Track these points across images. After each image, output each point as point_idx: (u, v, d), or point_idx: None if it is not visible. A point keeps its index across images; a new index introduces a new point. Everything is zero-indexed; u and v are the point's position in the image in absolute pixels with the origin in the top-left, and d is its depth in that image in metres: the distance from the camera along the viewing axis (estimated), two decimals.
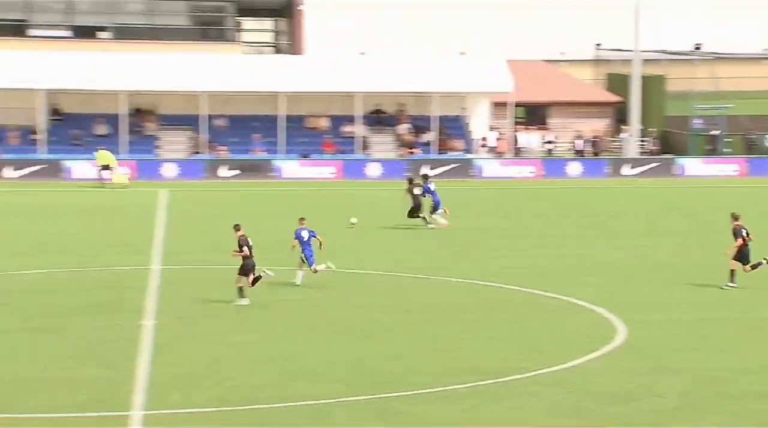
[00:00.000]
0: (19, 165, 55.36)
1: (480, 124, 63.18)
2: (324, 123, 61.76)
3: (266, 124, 60.66)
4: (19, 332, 22.58)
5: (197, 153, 59.13)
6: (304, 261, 27.50)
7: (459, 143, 61.22)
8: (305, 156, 59.05)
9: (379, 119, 62.42)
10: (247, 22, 79.90)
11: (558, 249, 33.99)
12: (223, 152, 58.97)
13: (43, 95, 57.84)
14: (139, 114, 60.65)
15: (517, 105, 63.86)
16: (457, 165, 58.33)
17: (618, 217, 42.39)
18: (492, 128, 63.13)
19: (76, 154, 56.92)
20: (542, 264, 31.17)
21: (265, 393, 18.40)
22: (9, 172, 54.80)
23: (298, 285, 27.31)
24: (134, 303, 25.54)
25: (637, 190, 52.38)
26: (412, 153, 60.08)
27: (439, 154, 59.95)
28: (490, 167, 58.92)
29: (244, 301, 25.32)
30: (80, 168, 54.71)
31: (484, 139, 61.89)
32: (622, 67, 73.17)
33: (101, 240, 35.36)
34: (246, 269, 25.33)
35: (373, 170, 57.69)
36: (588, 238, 36.70)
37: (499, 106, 62.69)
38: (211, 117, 59.41)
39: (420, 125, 61.63)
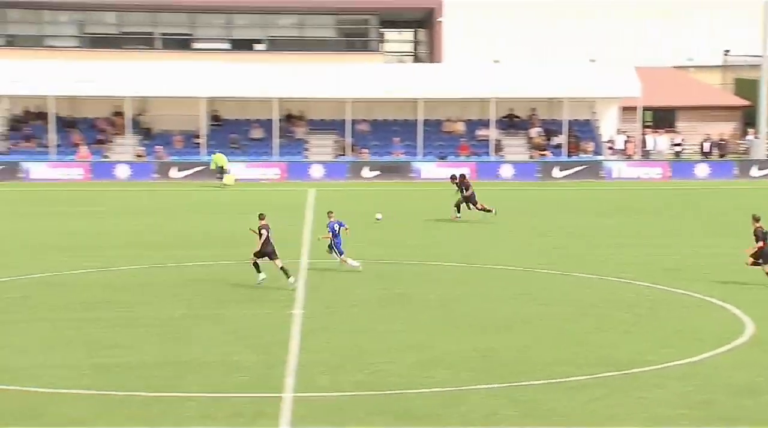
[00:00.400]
0: (183, 166, 56.77)
1: (609, 127, 62.28)
2: (460, 127, 61.68)
3: (405, 128, 60.94)
4: (185, 318, 23.13)
5: (342, 155, 59.71)
6: (332, 251, 27.76)
7: (589, 146, 60.43)
8: (442, 158, 59.04)
9: (512, 123, 62.06)
10: (389, 34, 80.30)
11: (686, 248, 33.23)
12: (366, 154, 59.38)
13: (205, 102, 59.20)
14: (289, 119, 61.57)
15: (645, 109, 62.72)
16: (587, 166, 57.59)
17: (746, 217, 41.14)
18: (620, 131, 62.13)
19: (234, 157, 58.10)
20: (671, 262, 30.52)
21: (405, 379, 18.46)
22: (174, 173, 56.24)
23: (356, 265, 27.79)
24: (284, 293, 25.85)
25: (765, 191, 50.81)
26: (543, 155, 59.54)
27: (569, 156, 59.28)
28: (619, 169, 57.99)
29: (262, 276, 26.16)
30: (236, 169, 55.81)
31: (611, 141, 60.95)
32: (751, 72, 71.18)
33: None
34: (262, 252, 26.02)
35: (506, 171, 57.42)
36: (716, 237, 35.79)
37: (627, 110, 61.69)
38: (354, 122, 60.00)
39: (551, 129, 61.06)
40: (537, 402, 17.20)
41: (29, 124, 60.56)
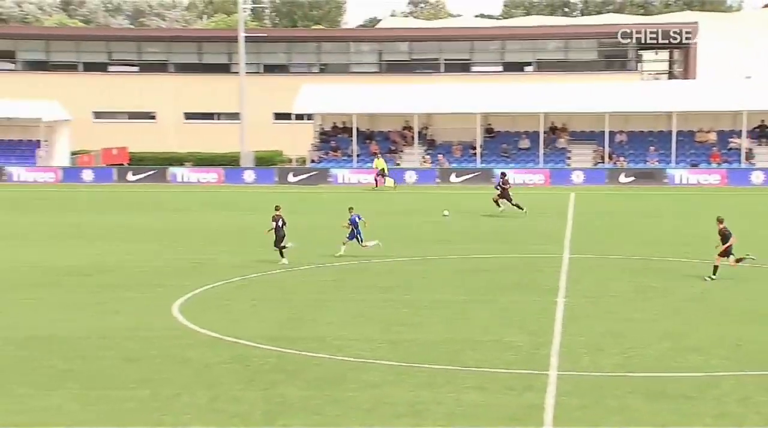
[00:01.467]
0: (460, 172, 57.20)
1: None
2: (712, 137, 58.73)
3: (660, 138, 58.73)
4: (464, 302, 23.19)
5: (600, 162, 58.24)
6: (353, 238, 29.27)
7: None
8: (694, 165, 56.44)
9: (762, 133, 58.43)
10: (646, 54, 77.60)
11: None
12: (623, 162, 57.65)
13: (480, 117, 59.40)
14: (553, 131, 60.74)
15: None
16: None
17: None
18: None
19: (504, 164, 58.04)
20: None
21: (660, 363, 17.65)
22: (453, 178, 56.74)
23: (372, 245, 29.30)
24: (548, 283, 25.47)
25: None
26: None
27: None
28: None
29: (285, 260, 27.96)
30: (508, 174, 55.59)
31: None
32: None
33: (524, 232, 35.70)
34: (276, 238, 28.07)
35: (757, 178, 54.16)
36: None
37: None
38: (612, 133, 58.41)
39: None
40: None
41: (336, 137, 62.90)
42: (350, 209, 30.44)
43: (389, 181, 54.07)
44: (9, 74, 73.49)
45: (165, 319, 21.43)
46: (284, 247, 28.54)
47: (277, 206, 29.27)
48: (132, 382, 16.51)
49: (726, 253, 25.35)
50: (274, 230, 28.40)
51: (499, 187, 41.14)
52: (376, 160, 55.68)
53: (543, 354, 18.29)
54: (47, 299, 23.45)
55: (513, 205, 40.35)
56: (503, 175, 42.37)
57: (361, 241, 29.69)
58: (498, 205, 40.36)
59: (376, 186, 53.95)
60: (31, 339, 19.60)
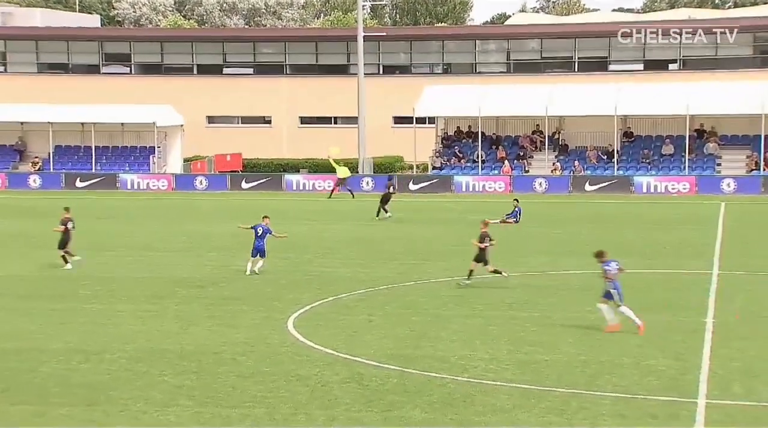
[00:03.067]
0: (595, 180, 56.33)
1: None
2: None
3: None
4: (600, 321, 22.73)
5: (755, 170, 56.44)
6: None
7: None
8: None
9: None
10: None
11: None
12: None
13: (618, 120, 58.43)
14: (700, 135, 59.21)
15: None
16: None
17: None
18: None
19: (644, 171, 56.93)
20: None
21: None
22: (587, 186, 55.89)
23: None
24: (696, 301, 24.84)
25: None
26: None
27: None
28: None
29: (68, 266, 29.52)
30: (647, 183, 54.60)
31: None
32: None
33: (668, 246, 34.91)
34: (61, 241, 29.67)
35: None
36: None
37: None
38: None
39: None
40: None
41: (460, 142, 62.85)
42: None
43: (342, 171, 54.62)
44: (123, 78, 76.18)
45: (280, 334, 21.77)
46: (68, 253, 29.08)
47: (66, 208, 29.75)
48: (247, 400, 16.80)
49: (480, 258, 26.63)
50: (62, 232, 29.11)
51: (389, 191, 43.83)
52: (339, 167, 55.82)
53: (689, 379, 17.85)
54: (162, 311, 24.14)
55: (384, 210, 42.86)
56: (390, 178, 46.22)
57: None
58: (385, 211, 42.86)
59: (331, 195, 54.50)
60: (145, 352, 20.20)
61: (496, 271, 26.94)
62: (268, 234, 29.14)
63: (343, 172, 54.85)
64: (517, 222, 41.03)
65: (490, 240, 26.83)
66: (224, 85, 75.03)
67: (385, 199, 43.99)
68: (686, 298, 25.43)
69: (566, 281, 28.21)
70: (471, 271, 26.85)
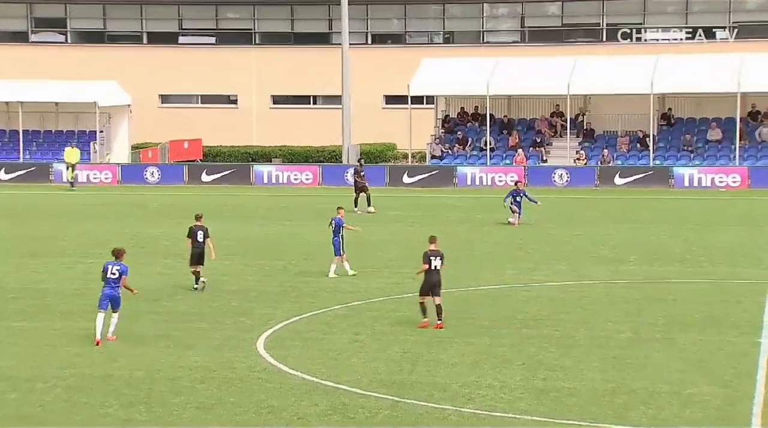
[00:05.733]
0: (626, 171, 56.34)
1: None
2: None
3: None
4: (633, 342, 22.89)
5: None
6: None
7: None
8: None
9: None
10: None
11: None
12: None
13: (654, 100, 58.53)
14: (755, 117, 59.36)
15: None
16: None
17: None
18: None
19: (686, 160, 57.09)
20: None
21: None
22: (617, 179, 56.00)
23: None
24: (748, 318, 24.95)
25: None
26: None
27: None
28: None
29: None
30: (689, 175, 54.74)
31: None
32: None
33: (714, 250, 35.05)
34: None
35: None
36: None
37: None
38: None
39: None
40: None
41: (464, 126, 62.97)
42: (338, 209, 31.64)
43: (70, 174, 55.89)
44: (58, 48, 76.02)
45: (248, 357, 21.78)
46: None
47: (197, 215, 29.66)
48: None
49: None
50: None
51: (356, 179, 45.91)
52: (68, 148, 56.35)
53: (741, 411, 17.95)
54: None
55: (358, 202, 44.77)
56: (360, 161, 48.15)
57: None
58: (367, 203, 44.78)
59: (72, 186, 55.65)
60: (85, 379, 20.19)
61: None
62: (341, 227, 30.69)
63: None
64: (535, 202, 41.15)
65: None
66: (180, 58, 74.94)
67: (360, 187, 45.15)
68: (736, 314, 25.47)
69: (591, 293, 28.26)
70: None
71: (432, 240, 24.81)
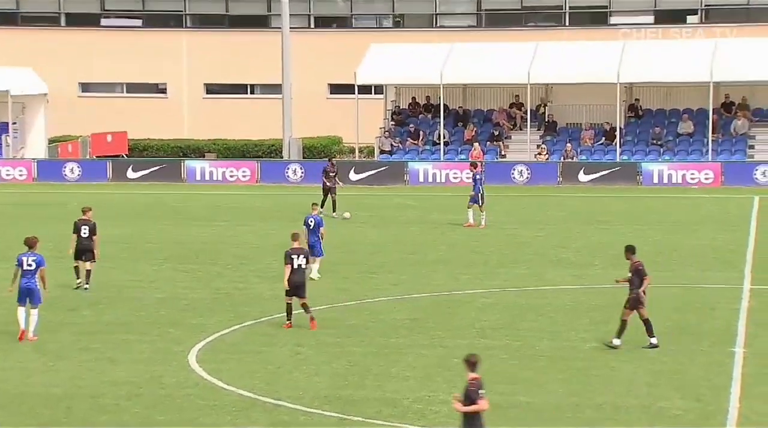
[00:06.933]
0: (591, 168, 56.56)
1: None
2: None
3: None
4: (597, 352, 23.01)
5: None
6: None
7: None
8: None
9: None
10: None
11: None
12: None
13: (621, 89, 58.86)
14: (728, 109, 59.92)
15: None
16: None
17: None
18: None
19: (655, 156, 57.51)
20: None
21: None
22: (581, 175, 56.19)
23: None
24: (722, 326, 25.17)
25: None
26: None
27: None
28: None
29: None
30: (658, 172, 55.14)
31: None
32: None
33: (687, 253, 35.33)
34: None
35: None
36: None
37: None
38: None
39: None
40: None
41: (416, 118, 63.07)
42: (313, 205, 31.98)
43: None
44: None
45: (179, 372, 21.69)
46: None
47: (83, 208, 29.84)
48: None
49: None
50: None
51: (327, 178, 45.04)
52: None
53: (715, 426, 18.11)
54: (14, 345, 23.88)
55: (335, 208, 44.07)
56: (331, 161, 47.36)
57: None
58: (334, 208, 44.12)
59: None
60: None
61: None
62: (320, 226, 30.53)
63: None
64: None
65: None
66: (103, 42, 74.45)
67: (326, 189, 44.62)
68: (709, 321, 25.71)
69: (553, 299, 28.40)
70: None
71: (295, 237, 25.58)
